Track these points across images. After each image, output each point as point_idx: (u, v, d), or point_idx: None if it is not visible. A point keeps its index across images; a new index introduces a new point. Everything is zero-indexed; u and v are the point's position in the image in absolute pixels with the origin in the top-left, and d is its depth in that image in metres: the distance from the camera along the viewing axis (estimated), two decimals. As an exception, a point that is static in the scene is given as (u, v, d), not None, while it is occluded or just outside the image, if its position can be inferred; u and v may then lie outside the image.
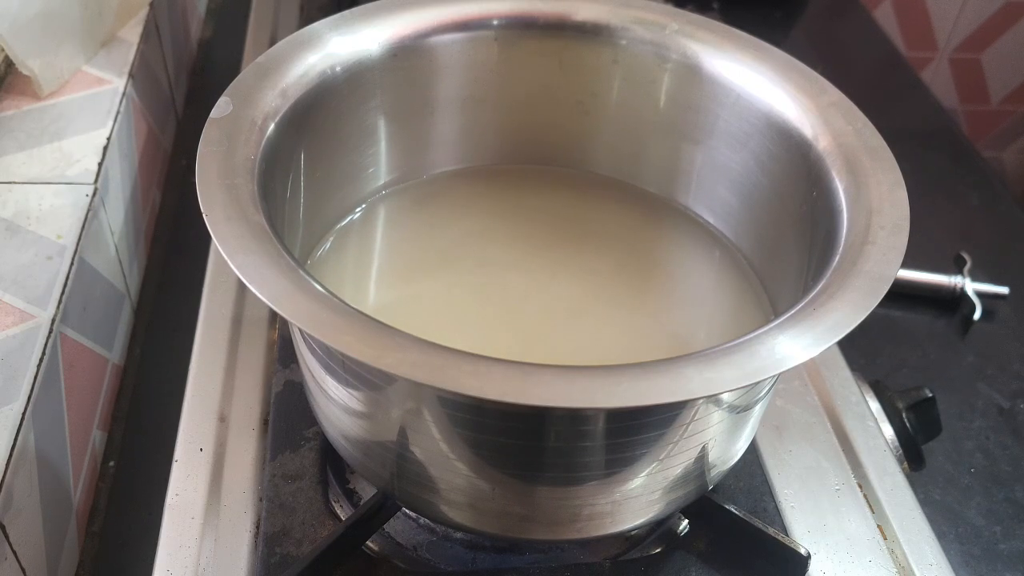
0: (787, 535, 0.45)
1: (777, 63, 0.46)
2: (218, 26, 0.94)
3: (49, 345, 0.47)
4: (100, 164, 0.57)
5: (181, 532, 0.44)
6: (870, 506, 0.48)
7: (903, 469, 0.51)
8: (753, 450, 0.49)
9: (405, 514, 0.46)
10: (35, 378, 0.45)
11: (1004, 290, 0.67)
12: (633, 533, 0.46)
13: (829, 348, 0.32)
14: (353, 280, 0.48)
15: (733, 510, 0.44)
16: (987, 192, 0.80)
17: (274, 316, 0.55)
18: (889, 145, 0.41)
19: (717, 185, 0.50)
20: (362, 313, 0.32)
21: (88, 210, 0.54)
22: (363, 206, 0.51)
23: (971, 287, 0.67)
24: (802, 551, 0.44)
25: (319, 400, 0.41)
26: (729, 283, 0.49)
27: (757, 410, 0.41)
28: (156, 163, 0.72)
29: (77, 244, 0.52)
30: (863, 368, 0.56)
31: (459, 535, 0.45)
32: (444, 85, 0.50)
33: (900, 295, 0.68)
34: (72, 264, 0.51)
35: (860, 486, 0.49)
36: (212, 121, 0.39)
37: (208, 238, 0.33)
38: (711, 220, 0.51)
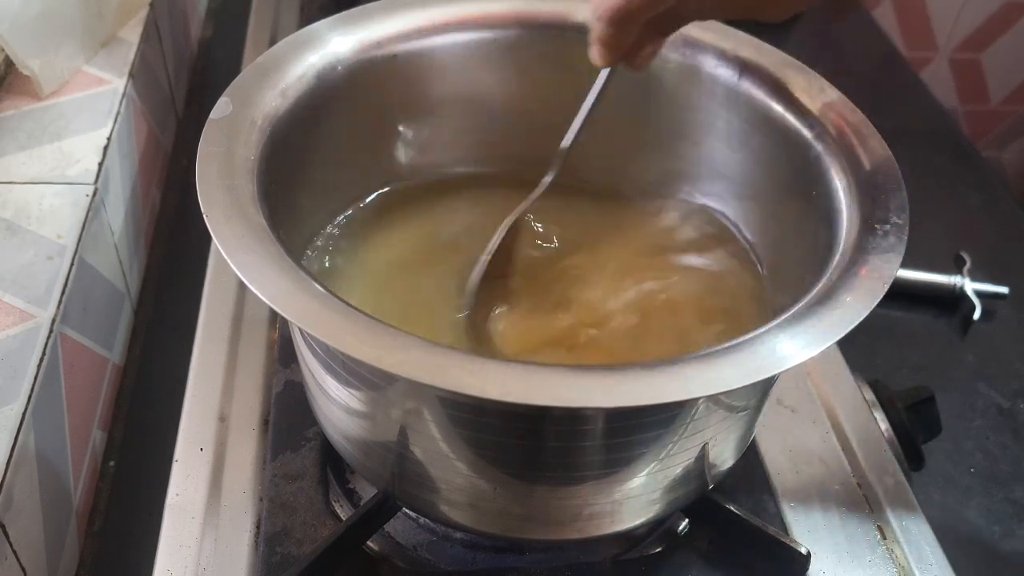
0: (787, 535, 0.45)
1: (777, 63, 0.46)
2: (218, 26, 0.94)
3: (49, 345, 0.47)
4: (100, 164, 0.57)
5: (181, 532, 0.44)
6: (870, 506, 0.48)
7: (903, 469, 0.50)
8: (753, 450, 0.49)
9: (405, 514, 0.46)
10: (35, 378, 0.45)
11: (1004, 290, 0.67)
12: (634, 533, 0.46)
13: (829, 348, 0.32)
14: (352, 280, 0.48)
15: (733, 509, 0.44)
16: (987, 192, 0.79)
17: (274, 316, 0.55)
18: (889, 145, 0.41)
19: (717, 185, 0.50)
20: (363, 313, 0.32)
21: (88, 210, 0.54)
22: (362, 206, 0.51)
23: (971, 287, 0.67)
24: (802, 551, 0.44)
25: (319, 400, 0.41)
26: (729, 282, 0.49)
27: (757, 410, 0.41)
28: (156, 163, 0.72)
29: (77, 244, 0.52)
30: (863, 368, 0.56)
31: (459, 535, 0.45)
32: (444, 85, 0.50)
33: (900, 295, 0.68)
34: (72, 264, 0.51)
35: (860, 486, 0.49)
36: (212, 121, 0.39)
37: (208, 238, 0.33)
38: (711, 219, 0.51)
